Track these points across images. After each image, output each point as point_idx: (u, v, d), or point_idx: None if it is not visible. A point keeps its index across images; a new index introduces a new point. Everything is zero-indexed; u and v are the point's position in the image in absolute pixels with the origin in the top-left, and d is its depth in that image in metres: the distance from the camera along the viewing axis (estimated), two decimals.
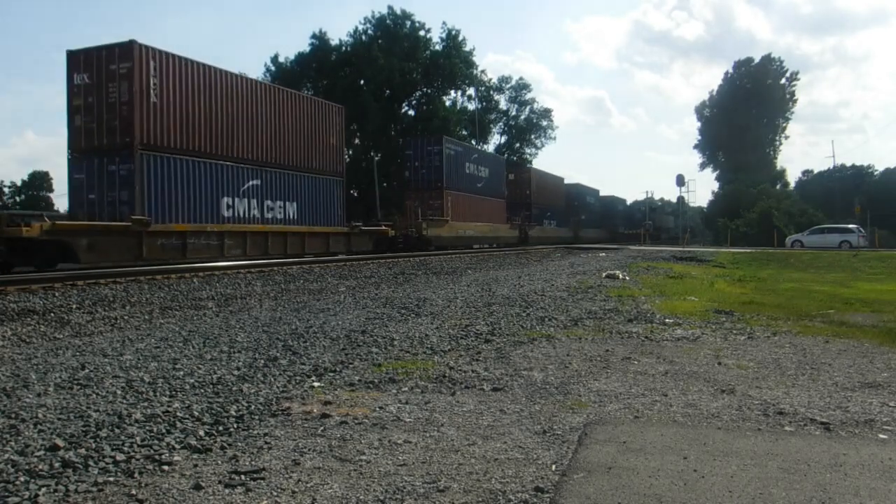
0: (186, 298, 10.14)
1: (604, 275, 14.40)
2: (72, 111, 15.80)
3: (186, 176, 16.69)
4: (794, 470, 2.85)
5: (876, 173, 65.92)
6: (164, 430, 3.36)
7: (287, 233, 20.04)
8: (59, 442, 3.12)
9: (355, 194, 50.21)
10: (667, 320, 7.50)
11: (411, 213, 28.95)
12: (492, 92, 64.77)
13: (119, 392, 4.15)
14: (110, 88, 15.41)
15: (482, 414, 3.76)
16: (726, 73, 74.85)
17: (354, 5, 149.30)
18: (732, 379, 4.64)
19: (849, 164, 68.93)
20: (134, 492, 2.62)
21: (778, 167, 73.24)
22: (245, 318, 7.91)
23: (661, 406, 3.93)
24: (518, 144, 67.11)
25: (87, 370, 4.80)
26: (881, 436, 3.39)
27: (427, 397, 4.14)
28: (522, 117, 67.35)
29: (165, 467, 2.89)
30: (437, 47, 55.43)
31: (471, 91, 59.86)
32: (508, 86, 66.72)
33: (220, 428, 3.44)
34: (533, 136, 67.77)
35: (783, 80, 72.01)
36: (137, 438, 3.22)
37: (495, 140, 66.57)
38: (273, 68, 54.50)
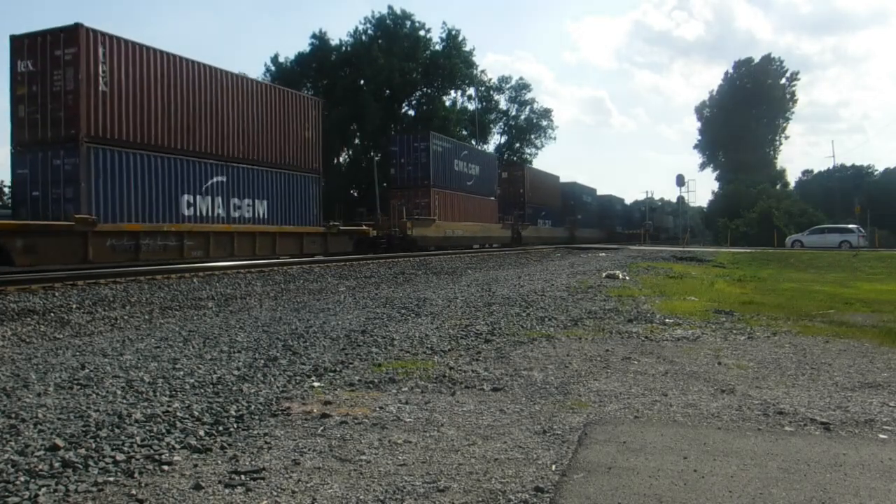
0: (186, 298, 10.14)
1: (604, 275, 14.40)
2: (15, 101, 14.57)
3: (141, 172, 15.42)
4: (794, 470, 2.85)
5: (876, 173, 65.93)
6: (164, 430, 3.36)
7: (256, 233, 18.71)
8: (59, 442, 3.12)
9: (356, 195, 50.25)
10: (667, 320, 7.50)
11: (395, 212, 27.54)
12: (492, 92, 64.80)
13: (119, 392, 4.15)
14: (55, 76, 14.13)
15: (482, 414, 3.76)
16: (726, 73, 74.93)
17: (354, 5, 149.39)
18: (732, 379, 4.64)
19: (849, 164, 69.03)
20: (134, 492, 2.62)
21: (778, 167, 73.29)
22: (245, 317, 7.91)
23: (661, 406, 3.93)
24: (518, 144, 67.09)
25: (87, 370, 4.80)
26: (881, 436, 3.39)
27: (427, 397, 4.14)
28: (522, 117, 67.34)
29: (165, 467, 2.89)
30: (437, 47, 55.42)
31: (471, 91, 59.86)
32: (508, 86, 66.74)
33: (220, 428, 3.44)
34: (533, 136, 67.75)
35: (783, 80, 72.02)
36: (137, 438, 3.22)
37: (495, 140, 66.58)
38: (273, 68, 54.52)
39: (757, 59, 72.32)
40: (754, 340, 6.26)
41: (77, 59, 13.99)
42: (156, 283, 12.13)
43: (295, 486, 2.69)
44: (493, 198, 37.63)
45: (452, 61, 54.57)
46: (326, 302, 9.66)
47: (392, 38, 52.98)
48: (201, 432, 3.35)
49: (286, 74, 53.35)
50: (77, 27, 14.07)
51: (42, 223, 13.43)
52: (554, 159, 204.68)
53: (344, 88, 50.67)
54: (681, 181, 47.46)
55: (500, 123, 66.76)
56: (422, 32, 54.57)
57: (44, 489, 2.61)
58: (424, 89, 56.17)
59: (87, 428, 3.37)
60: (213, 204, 17.55)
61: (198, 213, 17.01)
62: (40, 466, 2.82)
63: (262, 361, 5.15)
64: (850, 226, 39.40)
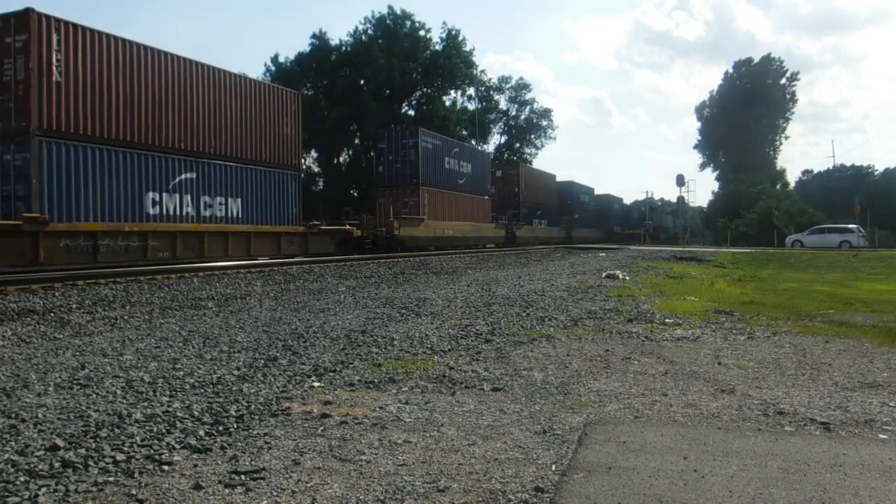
0: (186, 298, 10.15)
1: (604, 275, 14.40)
2: None
3: (100, 167, 14.43)
4: (794, 470, 2.85)
5: (876, 173, 65.90)
6: (164, 430, 3.36)
7: (228, 233, 17.66)
8: (59, 442, 3.12)
9: (355, 195, 50.25)
10: (667, 320, 7.50)
11: (382, 211, 26.24)
12: (492, 92, 64.82)
13: (119, 392, 4.15)
14: (5, 65, 13.26)
15: (482, 414, 3.76)
16: (726, 73, 74.93)
17: (354, 5, 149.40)
18: (732, 379, 4.64)
19: (849, 164, 68.90)
20: (134, 492, 2.62)
21: (778, 167, 73.28)
22: (245, 317, 7.91)
23: (661, 406, 3.93)
24: (518, 144, 67.12)
25: (87, 370, 4.80)
26: (881, 436, 3.39)
27: (427, 397, 4.14)
28: (522, 117, 67.38)
29: (165, 467, 2.89)
30: (437, 47, 55.44)
31: (471, 91, 59.87)
32: (508, 86, 66.77)
33: (220, 428, 3.44)
34: (533, 136, 67.79)
35: (783, 80, 72.02)
36: (137, 438, 3.22)
37: (495, 140, 66.63)
38: (273, 68, 54.54)
39: (757, 59, 72.41)
40: (754, 340, 6.26)
41: (28, 47, 13.13)
42: (156, 283, 12.13)
43: (295, 486, 2.69)
44: (486, 197, 36.63)
45: (452, 61, 54.59)
46: (326, 302, 9.66)
47: (392, 38, 52.99)
48: (201, 432, 3.35)
49: (286, 74, 53.32)
50: (28, 12, 13.20)
51: None
52: (554, 159, 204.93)
53: (344, 88, 50.69)
54: (681, 181, 47.50)
55: (500, 123, 66.84)
56: (422, 32, 54.64)
57: (44, 489, 2.61)
58: (424, 89, 56.19)
59: (87, 428, 3.37)
60: (181, 202, 16.56)
61: (164, 212, 16.06)
62: (40, 466, 2.82)
63: (262, 361, 5.15)
64: (850, 226, 39.38)
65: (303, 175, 21.28)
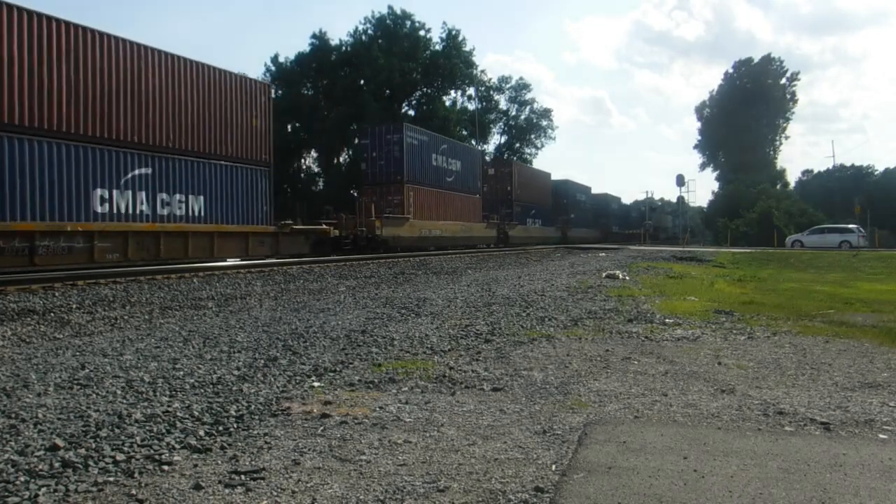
0: (186, 298, 10.15)
1: (604, 275, 14.40)
2: None
3: (39, 162, 13.18)
4: (794, 470, 2.85)
5: (876, 173, 65.90)
6: (164, 430, 3.36)
7: (188, 233, 16.32)
8: (59, 442, 3.12)
9: (355, 194, 50.28)
10: (667, 320, 7.50)
11: (364, 209, 24.83)
12: (492, 92, 64.86)
13: (119, 392, 4.15)
14: None
15: (482, 414, 3.76)
16: (726, 72, 74.93)
17: (354, 5, 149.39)
18: (732, 379, 4.64)
19: (849, 164, 68.90)
20: (134, 492, 2.62)
21: (778, 167, 73.27)
22: (245, 317, 7.91)
23: (661, 406, 3.93)
24: (518, 144, 67.16)
25: (87, 370, 4.80)
26: (881, 436, 3.39)
27: (427, 397, 4.14)
28: (522, 117, 67.42)
29: (165, 467, 2.89)
30: (437, 47, 55.47)
31: (471, 91, 59.91)
32: (508, 86, 66.82)
33: (220, 428, 3.44)
34: (533, 137, 67.84)
35: (783, 80, 72.03)
36: (137, 438, 3.22)
37: (495, 140, 66.68)
38: (273, 68, 54.59)
39: (757, 59, 72.41)
40: (754, 340, 6.26)
41: None
42: (156, 283, 12.14)
43: (295, 486, 2.69)
44: (476, 195, 35.13)
45: (452, 61, 54.62)
46: (326, 302, 9.66)
47: (392, 38, 53.02)
48: (201, 432, 3.35)
49: (286, 74, 53.43)
50: None
51: None
52: (554, 159, 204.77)
53: (344, 88, 50.70)
54: (681, 181, 47.49)
55: (500, 123, 66.88)
56: (422, 32, 54.67)
57: (44, 489, 2.61)
58: (424, 89, 56.21)
59: (87, 428, 3.37)
60: (134, 200, 15.20)
61: (115, 211, 14.74)
62: (40, 466, 2.82)
63: (262, 361, 5.15)
64: (850, 226, 39.38)
65: (272, 170, 19.84)
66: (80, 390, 4.20)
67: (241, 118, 18.53)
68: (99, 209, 14.43)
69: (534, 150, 68.20)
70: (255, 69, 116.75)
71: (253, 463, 2.94)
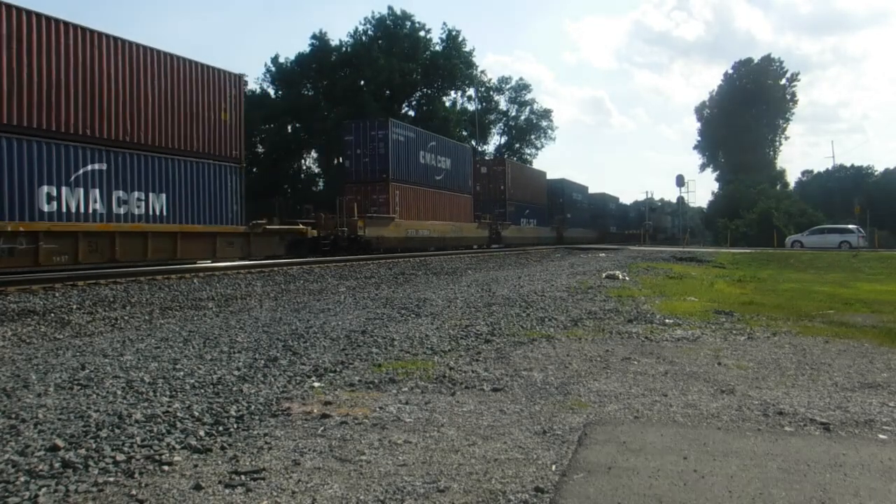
0: (186, 298, 10.15)
1: (604, 275, 14.41)
2: None
3: None
4: (794, 470, 2.86)
5: (876, 173, 65.92)
6: (164, 431, 3.36)
7: (148, 233, 15.14)
8: (59, 442, 3.12)
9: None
10: (667, 321, 7.50)
11: (345, 208, 23.57)
12: (492, 92, 64.93)
13: (119, 392, 4.15)
14: None
15: (482, 414, 3.77)
16: (726, 73, 74.91)
17: (354, 6, 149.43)
18: (732, 379, 4.65)
19: (849, 164, 68.92)
20: (134, 492, 2.62)
21: (778, 167, 73.22)
22: (245, 318, 7.91)
23: (661, 406, 3.93)
24: (518, 145, 67.20)
25: (87, 370, 4.80)
26: (881, 436, 3.39)
27: (427, 397, 4.14)
28: (522, 118, 67.49)
29: (165, 467, 2.89)
30: (437, 48, 55.52)
31: (471, 91, 59.96)
32: (508, 86, 66.89)
33: (221, 428, 3.44)
34: (533, 137, 67.89)
35: (783, 81, 72.02)
36: (137, 439, 3.22)
37: (495, 140, 66.72)
38: (273, 69, 54.64)
39: (757, 59, 72.41)
40: (754, 341, 6.27)
41: None
42: (156, 284, 12.15)
43: (295, 486, 2.69)
44: (467, 194, 33.87)
45: (452, 62, 54.65)
46: (326, 302, 9.67)
47: (392, 39, 53.07)
48: (201, 432, 3.35)
49: (286, 75, 53.51)
50: None
51: None
52: (554, 160, 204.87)
53: (344, 89, 50.74)
54: (681, 181, 47.53)
55: (500, 124, 66.96)
56: (422, 33, 54.73)
57: (44, 489, 2.61)
58: (424, 90, 56.26)
59: (88, 428, 3.37)
60: (86, 198, 14.02)
61: (64, 210, 13.57)
62: (40, 467, 2.82)
63: (263, 362, 5.15)
64: (850, 226, 39.40)
65: (244, 167, 18.75)
66: (80, 390, 4.21)
67: (209, 111, 17.34)
68: (45, 208, 13.27)
69: (534, 151, 68.34)
70: (255, 69, 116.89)
71: (253, 463, 2.95)
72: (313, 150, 55.08)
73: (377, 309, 8.60)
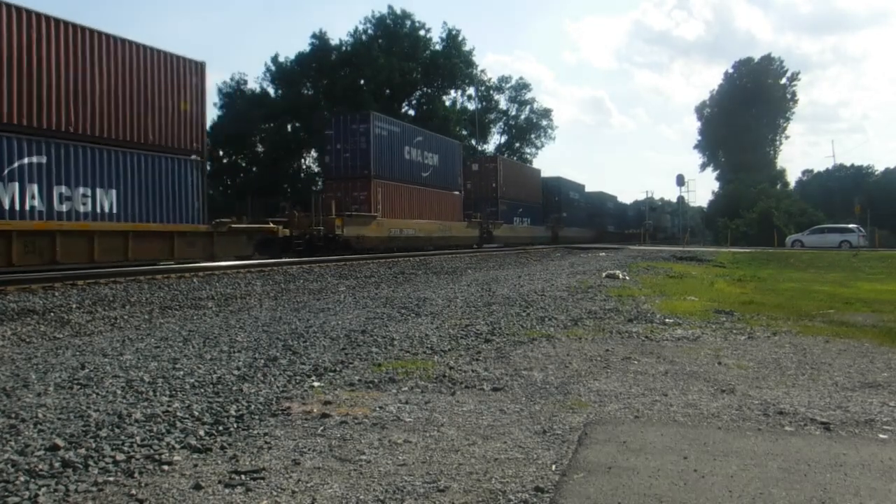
0: (186, 298, 10.15)
1: (604, 275, 14.41)
2: None
3: None
4: (794, 470, 2.85)
5: (876, 173, 65.92)
6: (164, 430, 3.36)
7: (94, 232, 13.79)
8: (59, 442, 3.12)
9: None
10: (667, 320, 7.50)
11: (321, 206, 22.28)
12: (492, 92, 64.89)
13: (119, 392, 4.15)
14: None
15: (482, 414, 3.76)
16: (726, 72, 74.87)
17: (354, 5, 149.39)
18: (732, 379, 4.64)
19: (849, 164, 68.92)
20: (134, 492, 2.62)
21: (778, 167, 73.22)
22: (245, 317, 7.91)
23: (661, 406, 3.93)
24: (518, 144, 67.19)
25: (86, 370, 4.80)
26: (881, 436, 3.39)
27: (427, 397, 4.14)
28: (522, 117, 67.45)
29: (165, 467, 2.89)
30: (437, 47, 55.52)
31: (471, 91, 59.95)
32: (508, 86, 66.84)
33: (220, 428, 3.44)
34: (533, 136, 67.87)
35: (783, 80, 72.00)
36: (137, 438, 3.22)
37: (495, 140, 66.68)
38: (273, 68, 54.63)
39: (757, 58, 72.37)
40: (754, 340, 6.26)
41: None
42: (156, 283, 12.15)
43: (295, 485, 2.69)
44: (456, 192, 32.28)
45: (452, 61, 54.65)
46: (326, 302, 9.67)
47: (392, 38, 53.06)
48: (201, 432, 3.35)
49: (286, 74, 53.51)
50: None
51: None
52: (554, 159, 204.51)
53: (344, 88, 50.74)
54: (681, 181, 47.59)
55: (500, 123, 66.90)
56: (422, 32, 54.73)
57: (44, 489, 2.61)
58: (424, 89, 56.26)
59: (87, 428, 3.37)
60: (22, 194, 12.74)
61: None
62: (40, 466, 2.82)
63: (262, 361, 5.15)
64: (850, 226, 39.40)
65: (207, 162, 17.31)
66: (80, 390, 4.20)
67: (167, 101, 15.96)
68: None
69: (534, 150, 68.30)
70: (255, 69, 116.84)
71: (253, 463, 2.94)
72: (313, 150, 55.06)
73: (377, 308, 8.60)
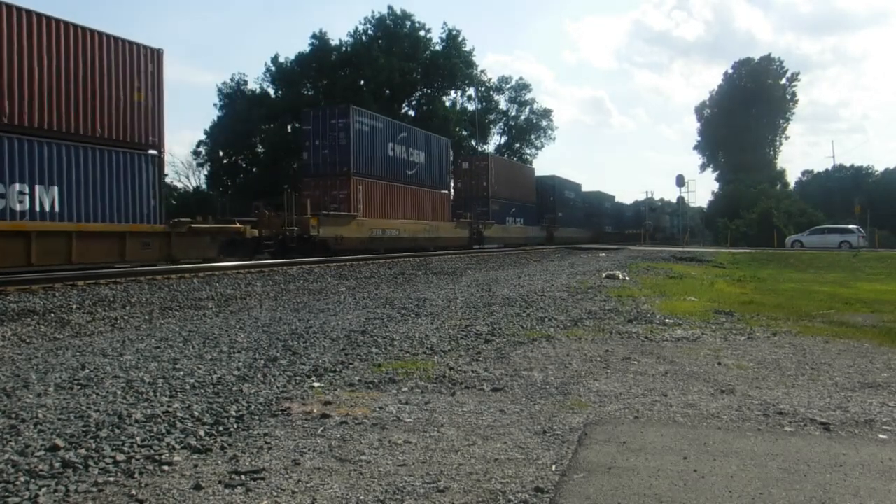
0: (186, 298, 10.15)
1: (604, 275, 14.41)
2: None
3: None
4: (794, 470, 2.86)
5: (876, 173, 65.92)
6: (164, 431, 3.36)
7: (32, 233, 12.54)
8: (60, 442, 3.12)
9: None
10: (667, 320, 7.50)
11: (295, 205, 21.01)
12: (492, 92, 64.83)
13: (119, 392, 4.15)
14: None
15: (482, 414, 3.77)
16: (726, 72, 74.92)
17: (354, 5, 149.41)
18: (732, 379, 4.65)
19: (849, 164, 68.93)
20: (134, 492, 2.62)
21: (778, 167, 73.24)
22: (245, 318, 7.91)
23: (661, 406, 3.93)
24: (518, 145, 67.15)
25: (87, 370, 4.80)
26: (881, 436, 3.39)
27: (427, 397, 4.14)
28: (522, 117, 67.39)
29: (165, 467, 2.89)
30: (437, 47, 55.47)
31: (471, 91, 59.88)
32: (508, 86, 66.79)
33: (221, 428, 3.44)
34: (533, 137, 67.83)
35: (783, 81, 72.05)
36: (137, 438, 3.22)
37: (495, 140, 66.65)
38: (273, 68, 54.60)
39: (757, 59, 72.40)
40: (754, 341, 6.27)
41: None
42: (156, 284, 12.15)
43: (295, 486, 2.69)
44: (444, 191, 31.00)
45: (452, 61, 54.62)
46: (326, 302, 9.67)
47: (392, 39, 53.04)
48: (201, 432, 3.35)
49: (286, 74, 53.46)
50: None
51: None
52: (554, 160, 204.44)
53: (344, 88, 50.69)
54: (681, 181, 47.48)
55: (500, 124, 66.84)
56: (422, 32, 54.67)
57: (44, 489, 2.61)
58: (424, 89, 56.23)
59: (87, 428, 3.37)
60: None
61: None
62: (40, 466, 2.82)
63: (263, 362, 5.15)
64: (850, 226, 39.41)
65: (165, 157, 16.24)
66: (80, 390, 4.21)
67: (119, 90, 14.66)
68: None
69: (534, 151, 68.24)
70: (255, 69, 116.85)
71: (253, 463, 2.95)
72: None
73: (377, 309, 8.60)
